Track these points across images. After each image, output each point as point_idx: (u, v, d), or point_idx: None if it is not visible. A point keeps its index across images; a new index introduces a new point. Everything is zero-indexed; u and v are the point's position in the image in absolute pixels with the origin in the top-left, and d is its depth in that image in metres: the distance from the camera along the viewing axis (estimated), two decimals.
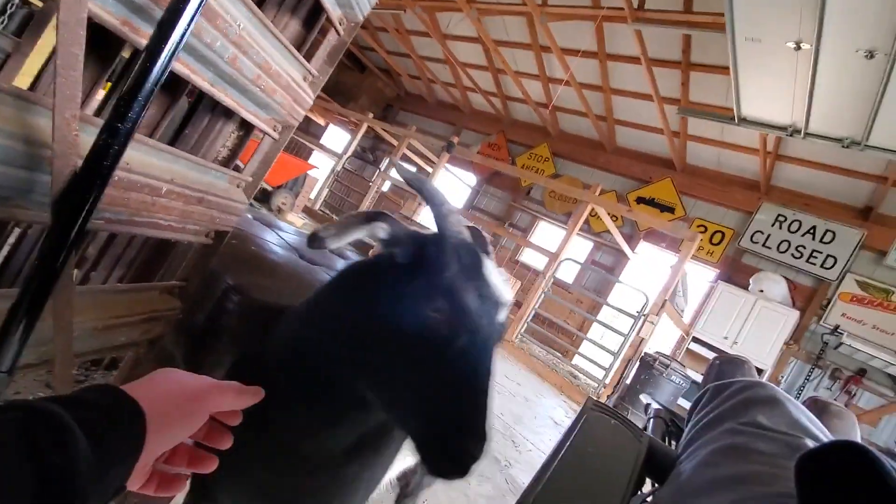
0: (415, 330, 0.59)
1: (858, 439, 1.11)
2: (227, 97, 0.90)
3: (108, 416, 0.36)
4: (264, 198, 6.35)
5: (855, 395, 5.74)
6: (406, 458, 1.04)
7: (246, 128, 1.10)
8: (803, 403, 0.86)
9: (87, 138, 0.65)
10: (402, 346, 0.60)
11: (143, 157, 0.86)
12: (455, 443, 0.53)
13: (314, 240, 0.60)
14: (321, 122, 11.78)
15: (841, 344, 5.59)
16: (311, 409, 0.67)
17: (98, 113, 0.92)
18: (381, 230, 0.63)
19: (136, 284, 0.98)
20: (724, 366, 1.10)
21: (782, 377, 6.13)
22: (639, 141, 8.23)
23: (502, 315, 0.63)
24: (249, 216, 1.79)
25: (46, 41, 0.75)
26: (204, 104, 1.05)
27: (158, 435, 0.40)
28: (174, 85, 1.00)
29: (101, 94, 0.93)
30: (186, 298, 1.03)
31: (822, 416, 0.93)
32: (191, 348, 1.09)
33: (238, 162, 1.12)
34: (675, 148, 7.51)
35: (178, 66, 0.74)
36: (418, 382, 0.58)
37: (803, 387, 5.92)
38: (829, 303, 6.18)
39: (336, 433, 0.68)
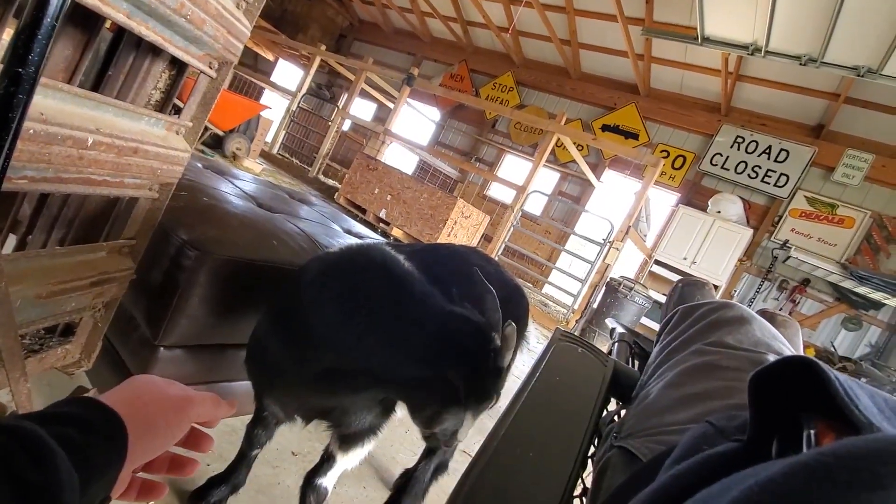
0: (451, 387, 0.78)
1: (801, 343, 1.20)
2: (149, 31, 0.79)
3: (87, 430, 0.35)
4: (217, 144, 5.98)
5: (798, 303, 6.23)
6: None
7: (178, 66, 0.99)
8: None
9: None
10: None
11: (61, 106, 0.77)
12: None
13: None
14: (269, 56, 10.95)
15: (789, 257, 5.97)
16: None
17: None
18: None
19: (78, 246, 0.92)
20: (686, 288, 1.15)
21: (735, 291, 6.56)
22: (604, 66, 8.05)
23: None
24: (199, 165, 1.69)
25: None
26: (127, 41, 0.93)
27: (142, 445, 0.39)
28: (87, 20, 0.88)
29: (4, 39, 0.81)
30: (137, 257, 0.97)
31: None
32: (151, 307, 1.05)
33: (178, 101, 1.02)
34: (639, 72, 7.40)
35: None
36: None
37: (753, 299, 6.37)
38: (780, 219, 6.51)
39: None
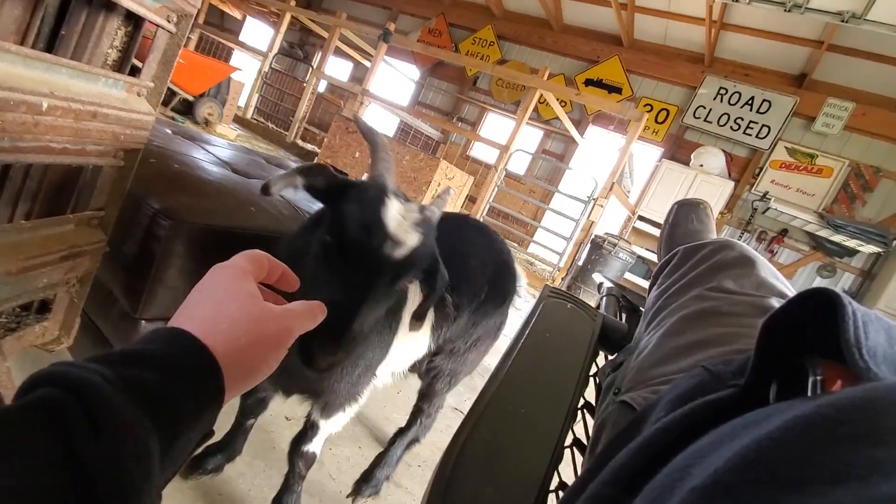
0: (315, 253, 0.75)
1: None
2: None
3: (174, 375, 0.30)
4: (187, 110, 5.73)
5: (776, 252, 6.39)
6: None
7: (135, 22, 0.92)
8: None
9: None
10: (312, 268, 0.75)
11: (10, 69, 0.71)
12: (308, 344, 0.65)
13: (264, 190, 0.73)
14: (237, 14, 10.38)
15: (768, 209, 6.07)
16: None
17: None
18: (299, 181, 0.77)
19: (44, 220, 0.87)
20: (681, 209, 1.11)
21: None
22: (586, 16, 7.81)
23: (395, 250, 0.71)
24: (169, 131, 1.61)
25: None
26: None
27: (239, 386, 0.35)
28: None
29: None
30: (108, 229, 0.93)
31: None
32: (128, 280, 1.02)
33: (138, 63, 0.95)
34: (622, 22, 7.20)
35: None
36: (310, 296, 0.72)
37: None
38: (760, 171, 6.58)
39: None
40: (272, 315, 0.38)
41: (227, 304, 0.37)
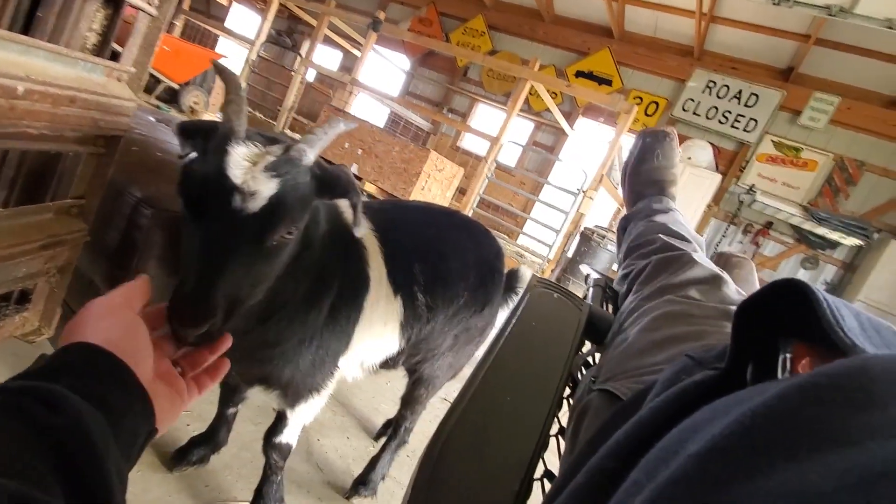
0: (182, 209, 0.66)
1: (757, 281, 1.24)
2: None
3: (86, 375, 0.35)
4: (172, 98, 5.62)
5: (761, 245, 6.48)
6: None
7: (114, 4, 0.89)
8: (710, 258, 0.93)
9: None
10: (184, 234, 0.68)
11: None
12: (170, 308, 0.58)
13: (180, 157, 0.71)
14: (223, 0, 10.16)
15: (754, 201, 6.14)
16: None
17: None
18: (176, 137, 0.73)
19: (22, 208, 0.85)
20: (647, 141, 1.14)
21: (702, 237, 6.76)
22: (577, 7, 7.79)
23: (248, 202, 0.63)
24: (152, 119, 1.57)
25: None
26: None
27: (138, 359, 0.39)
28: None
29: None
30: (88, 217, 0.91)
31: (725, 267, 1.03)
32: (110, 270, 1.00)
33: (118, 48, 0.93)
34: (613, 13, 7.19)
35: None
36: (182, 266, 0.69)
37: (720, 243, 6.59)
38: (747, 164, 6.65)
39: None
40: (110, 295, 0.45)
41: (85, 318, 0.42)
